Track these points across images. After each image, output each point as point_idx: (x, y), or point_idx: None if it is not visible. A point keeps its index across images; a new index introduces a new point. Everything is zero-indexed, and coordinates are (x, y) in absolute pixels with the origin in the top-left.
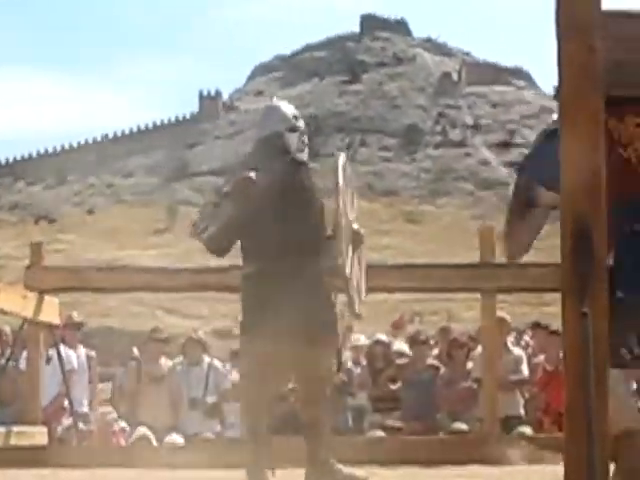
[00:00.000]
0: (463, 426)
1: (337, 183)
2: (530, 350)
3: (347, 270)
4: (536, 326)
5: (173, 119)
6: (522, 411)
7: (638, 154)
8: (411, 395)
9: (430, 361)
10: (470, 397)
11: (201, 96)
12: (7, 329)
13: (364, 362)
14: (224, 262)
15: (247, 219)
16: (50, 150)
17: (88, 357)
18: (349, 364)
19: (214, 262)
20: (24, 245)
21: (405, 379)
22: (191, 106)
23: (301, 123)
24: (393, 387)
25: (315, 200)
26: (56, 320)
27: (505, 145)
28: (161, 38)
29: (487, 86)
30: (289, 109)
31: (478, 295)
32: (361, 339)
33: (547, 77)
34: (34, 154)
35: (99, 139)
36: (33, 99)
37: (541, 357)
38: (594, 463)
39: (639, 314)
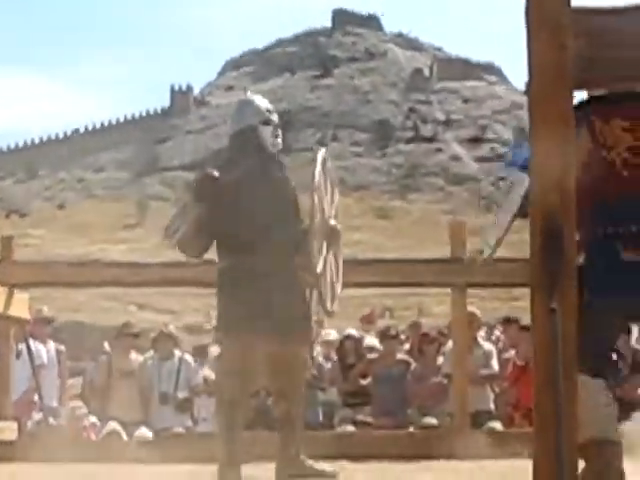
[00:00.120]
0: (433, 421)
1: (313, 179)
2: (501, 345)
3: (319, 268)
4: (507, 321)
5: (144, 113)
6: (492, 406)
7: (622, 157)
8: (382, 390)
9: (401, 356)
10: (440, 392)
11: (172, 90)
12: None
13: (335, 357)
14: None
15: (217, 217)
16: (21, 144)
17: (58, 352)
18: (320, 359)
19: (185, 257)
20: None
21: (376, 374)
22: (162, 101)
23: (275, 117)
24: (364, 382)
25: (288, 194)
26: (26, 315)
27: (476, 140)
28: (134, 33)
29: (458, 81)
30: (263, 103)
31: (449, 290)
32: (332, 334)
33: (519, 73)
34: (4, 148)
35: (70, 134)
36: (2, 96)
37: (512, 352)
38: (563, 458)
39: (607, 317)
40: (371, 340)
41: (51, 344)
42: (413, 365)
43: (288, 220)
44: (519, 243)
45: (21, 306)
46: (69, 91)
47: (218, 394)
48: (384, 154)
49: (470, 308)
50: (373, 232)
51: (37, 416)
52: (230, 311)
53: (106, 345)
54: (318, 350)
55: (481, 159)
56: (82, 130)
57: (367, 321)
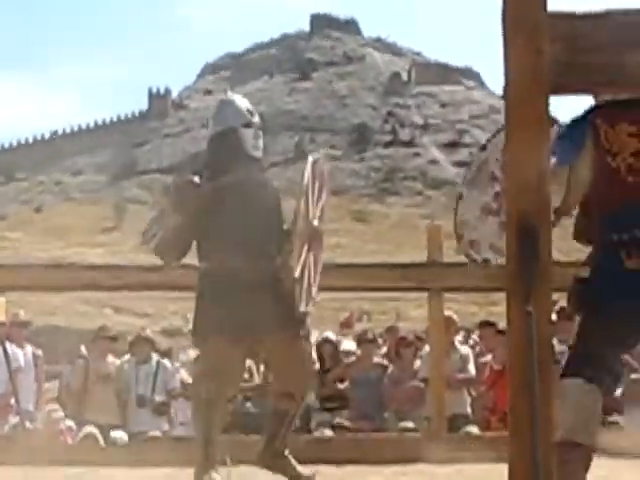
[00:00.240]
0: (410, 425)
1: (302, 181)
2: (478, 349)
3: (297, 272)
4: (484, 324)
5: (122, 117)
6: (469, 410)
7: (627, 163)
8: (359, 394)
9: (378, 360)
10: (417, 396)
11: (150, 94)
12: None
13: None
14: None
15: (197, 224)
16: None
17: (35, 355)
18: None
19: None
20: None
21: (353, 378)
22: (140, 104)
23: (256, 118)
24: (341, 386)
25: (271, 197)
26: (2, 318)
27: (454, 145)
28: (112, 36)
29: (437, 86)
30: (244, 103)
31: (426, 294)
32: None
33: (497, 77)
34: None
35: (48, 136)
36: None
37: (489, 356)
38: (538, 460)
39: (610, 325)
40: (348, 344)
41: (28, 348)
42: (390, 369)
43: (270, 222)
44: None
45: None
46: (42, 93)
47: (195, 396)
48: (362, 158)
49: (447, 312)
50: (351, 236)
51: (13, 420)
52: (210, 313)
53: (83, 348)
54: None
55: (459, 163)
56: (60, 133)
57: (346, 326)
